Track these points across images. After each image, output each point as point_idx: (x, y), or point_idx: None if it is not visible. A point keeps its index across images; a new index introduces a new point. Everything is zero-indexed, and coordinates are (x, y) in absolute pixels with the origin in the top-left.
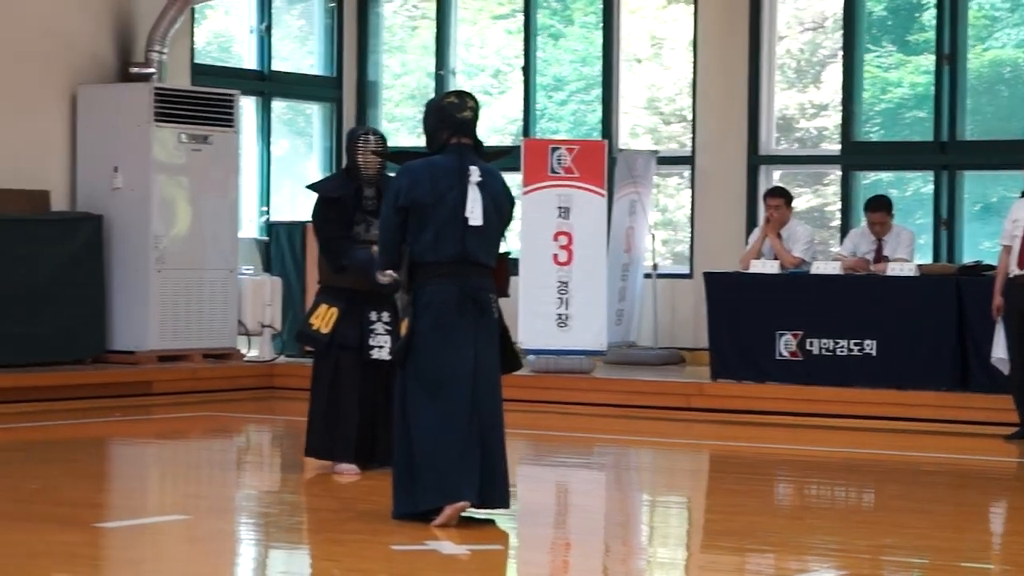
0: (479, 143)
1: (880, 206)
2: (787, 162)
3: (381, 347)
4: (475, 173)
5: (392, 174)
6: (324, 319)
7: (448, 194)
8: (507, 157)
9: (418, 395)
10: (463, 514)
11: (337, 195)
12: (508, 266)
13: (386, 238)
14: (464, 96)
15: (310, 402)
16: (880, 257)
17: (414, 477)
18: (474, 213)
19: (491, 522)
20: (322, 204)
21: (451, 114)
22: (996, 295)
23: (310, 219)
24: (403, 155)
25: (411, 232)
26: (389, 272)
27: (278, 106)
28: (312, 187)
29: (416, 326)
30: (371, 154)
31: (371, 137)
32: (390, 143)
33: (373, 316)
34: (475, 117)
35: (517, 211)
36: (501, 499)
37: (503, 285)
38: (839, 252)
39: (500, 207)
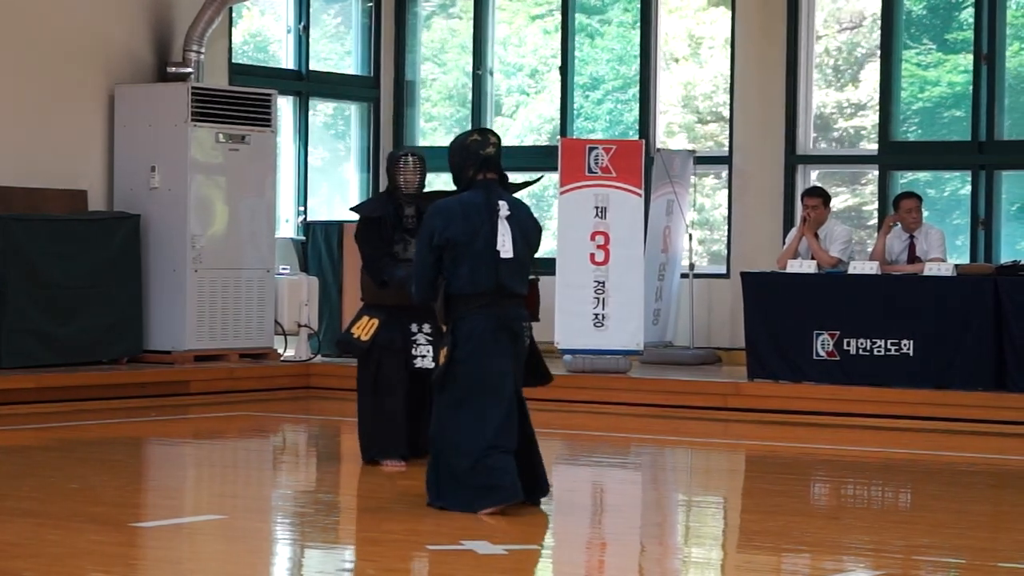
0: (504, 177)
1: (911, 194)
2: (824, 162)
3: (424, 356)
4: (504, 207)
5: (429, 191)
6: (364, 328)
7: (480, 230)
8: (532, 186)
9: (457, 416)
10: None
11: (378, 215)
12: (538, 292)
13: (421, 274)
14: (486, 133)
15: (358, 409)
16: (913, 258)
17: (458, 483)
18: (505, 247)
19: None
20: (364, 223)
21: (475, 151)
22: None
23: (354, 237)
24: (437, 194)
25: (447, 267)
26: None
27: (315, 106)
28: (355, 208)
29: (455, 355)
30: (410, 174)
31: (410, 158)
32: (428, 142)
33: (414, 328)
34: (498, 152)
35: (554, 210)
36: (546, 488)
37: (534, 310)
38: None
39: (528, 237)
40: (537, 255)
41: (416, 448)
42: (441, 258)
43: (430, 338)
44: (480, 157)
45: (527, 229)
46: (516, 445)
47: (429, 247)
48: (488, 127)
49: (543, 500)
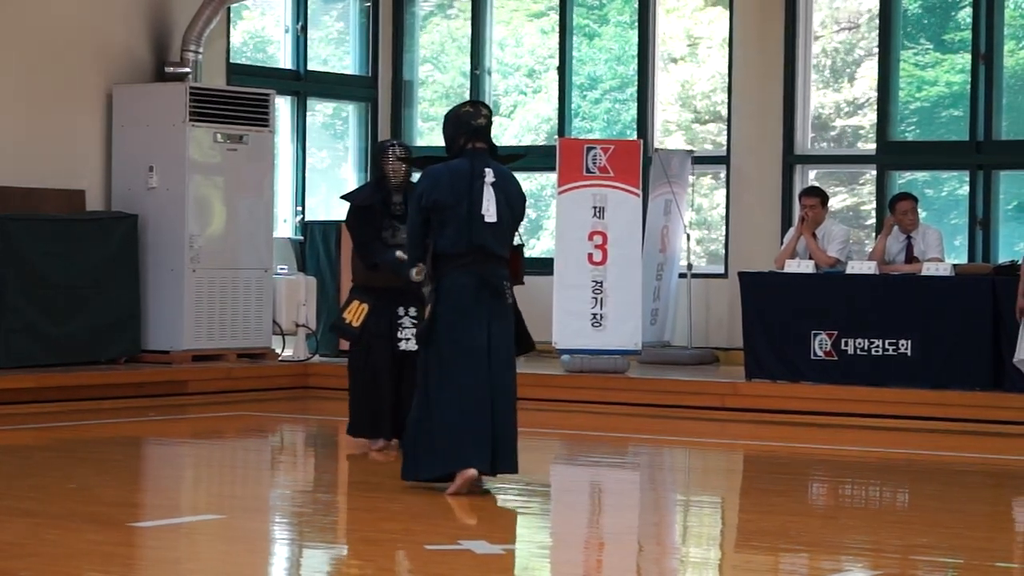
0: (493, 147)
1: (907, 196)
2: (822, 162)
3: (408, 339)
4: (489, 174)
5: (422, 156)
6: (355, 314)
7: (465, 194)
8: (520, 160)
9: (437, 371)
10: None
11: (368, 203)
12: (522, 257)
13: (411, 233)
14: (479, 105)
15: (349, 388)
16: (911, 258)
17: (430, 447)
18: (489, 211)
19: (490, 494)
20: (354, 211)
21: (467, 122)
22: (1020, 296)
23: (345, 225)
24: (427, 160)
25: (434, 228)
26: (419, 268)
27: (313, 106)
28: (345, 197)
29: (438, 310)
30: (397, 164)
31: (397, 149)
32: (425, 142)
33: (401, 311)
34: (489, 124)
35: (552, 210)
36: (511, 465)
37: (518, 274)
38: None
39: (513, 204)
40: (536, 255)
41: (401, 427)
42: (429, 220)
43: (415, 321)
44: (471, 127)
45: (512, 197)
46: (490, 421)
47: (418, 208)
48: (481, 100)
49: (541, 499)
